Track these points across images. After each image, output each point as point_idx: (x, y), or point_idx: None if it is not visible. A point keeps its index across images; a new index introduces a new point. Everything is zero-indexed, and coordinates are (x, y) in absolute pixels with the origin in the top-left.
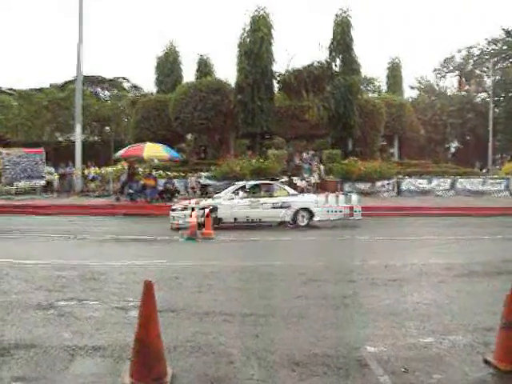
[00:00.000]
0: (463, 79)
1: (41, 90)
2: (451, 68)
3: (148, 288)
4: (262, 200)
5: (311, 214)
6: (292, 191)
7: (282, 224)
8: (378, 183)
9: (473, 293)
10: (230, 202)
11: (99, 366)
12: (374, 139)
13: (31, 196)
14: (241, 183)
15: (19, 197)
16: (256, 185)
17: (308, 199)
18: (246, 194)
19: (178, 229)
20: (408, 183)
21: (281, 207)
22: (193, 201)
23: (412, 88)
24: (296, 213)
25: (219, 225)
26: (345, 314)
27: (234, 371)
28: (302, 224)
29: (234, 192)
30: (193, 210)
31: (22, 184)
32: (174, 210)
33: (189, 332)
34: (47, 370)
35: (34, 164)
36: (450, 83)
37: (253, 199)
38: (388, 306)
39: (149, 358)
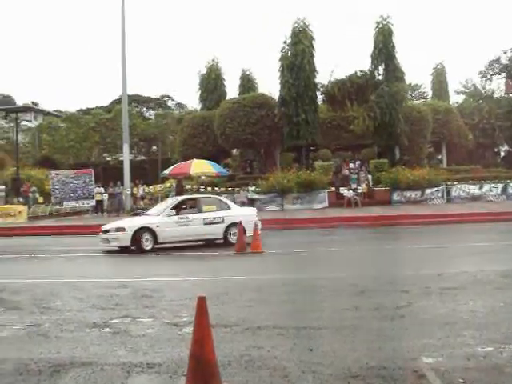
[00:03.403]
0: (510, 81)
1: (87, 111)
2: (497, 70)
3: (201, 304)
4: (192, 216)
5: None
6: (232, 204)
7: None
8: (428, 191)
9: None
10: (168, 220)
11: (155, 383)
12: (421, 146)
13: (81, 216)
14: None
15: (69, 217)
16: (191, 199)
17: (242, 212)
18: (174, 211)
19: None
20: (458, 189)
21: (213, 223)
22: (126, 220)
23: (457, 93)
24: (227, 228)
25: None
26: (399, 325)
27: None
28: (233, 241)
29: (171, 209)
30: (236, 224)
31: (71, 204)
32: (106, 231)
33: (242, 346)
34: None
35: (83, 184)
36: (497, 85)
37: (182, 216)
38: (443, 316)
39: (204, 374)
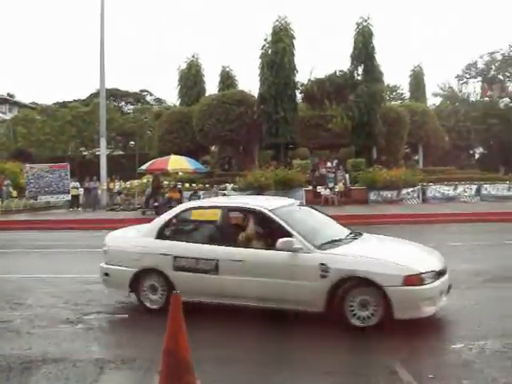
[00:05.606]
0: (486, 86)
1: (64, 104)
2: (473, 74)
3: (175, 300)
4: None
5: None
6: None
7: None
8: (404, 191)
9: (505, 298)
10: None
11: (128, 379)
12: (398, 147)
13: (56, 211)
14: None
15: (44, 211)
16: None
17: None
18: None
19: None
20: (433, 190)
21: None
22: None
23: (435, 95)
24: None
25: None
26: None
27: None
28: None
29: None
30: None
31: (46, 198)
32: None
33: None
34: None
35: (58, 179)
36: (473, 89)
37: None
38: None
39: (178, 369)
